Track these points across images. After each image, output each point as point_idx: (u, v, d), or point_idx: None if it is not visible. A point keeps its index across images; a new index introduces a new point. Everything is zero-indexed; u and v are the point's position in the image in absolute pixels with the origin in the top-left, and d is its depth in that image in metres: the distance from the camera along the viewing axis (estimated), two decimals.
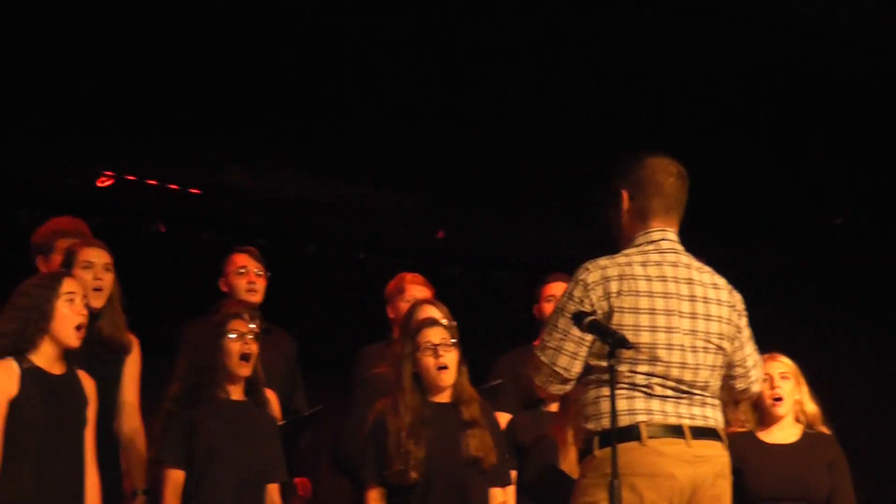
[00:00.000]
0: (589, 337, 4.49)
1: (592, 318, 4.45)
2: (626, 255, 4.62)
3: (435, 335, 5.91)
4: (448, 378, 5.90)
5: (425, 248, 9.23)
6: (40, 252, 6.28)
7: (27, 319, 5.20)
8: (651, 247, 4.64)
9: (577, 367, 4.55)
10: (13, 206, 7.64)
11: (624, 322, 4.51)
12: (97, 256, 5.82)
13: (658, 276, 4.57)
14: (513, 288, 9.26)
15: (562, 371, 4.54)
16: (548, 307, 6.75)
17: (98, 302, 5.73)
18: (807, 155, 8.71)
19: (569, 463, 5.74)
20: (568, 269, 4.71)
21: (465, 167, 8.92)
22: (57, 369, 5.25)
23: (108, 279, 5.82)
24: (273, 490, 5.87)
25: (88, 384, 5.34)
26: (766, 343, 5.21)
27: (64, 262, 5.86)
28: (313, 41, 8.49)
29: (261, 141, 8.35)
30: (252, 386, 5.88)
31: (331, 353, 8.82)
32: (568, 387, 4.59)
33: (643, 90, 8.44)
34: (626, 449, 4.39)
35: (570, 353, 4.54)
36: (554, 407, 6.33)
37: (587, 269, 4.57)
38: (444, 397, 5.93)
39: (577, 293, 4.53)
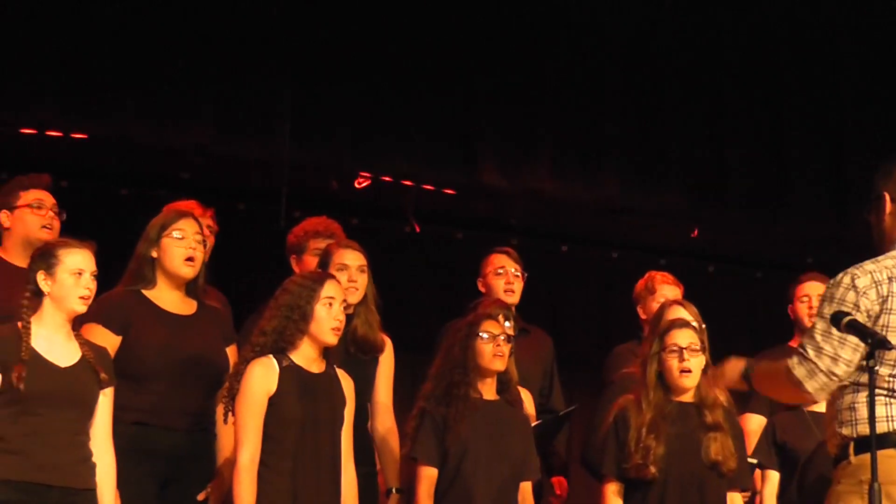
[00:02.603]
0: (853, 339, 4.38)
1: (850, 318, 4.35)
2: (892, 258, 4.52)
3: (683, 338, 5.87)
4: (689, 382, 5.86)
5: (679, 247, 9.15)
6: (294, 252, 6.43)
7: (288, 319, 5.30)
8: None
9: (841, 371, 4.44)
10: (277, 207, 7.84)
11: (890, 323, 4.41)
12: (352, 258, 5.89)
13: None
14: (768, 287, 9.11)
15: (828, 373, 4.43)
16: (801, 307, 6.64)
17: (352, 300, 5.79)
18: None
19: None
20: (821, 268, 4.61)
21: (719, 164, 8.82)
22: (315, 368, 5.34)
23: (362, 280, 5.88)
24: (525, 488, 5.90)
25: (347, 383, 5.41)
26: None
27: (320, 263, 5.96)
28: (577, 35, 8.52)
29: (514, 140, 8.40)
30: (504, 385, 5.92)
31: (586, 352, 8.82)
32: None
33: None
34: (882, 456, 4.27)
35: (847, 359, 4.43)
36: (815, 407, 6.24)
37: (856, 275, 4.47)
38: (687, 397, 5.89)
39: (850, 299, 4.44)
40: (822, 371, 4.42)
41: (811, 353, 4.43)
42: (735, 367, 4.73)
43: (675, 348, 5.85)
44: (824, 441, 5.92)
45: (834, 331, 4.41)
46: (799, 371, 4.45)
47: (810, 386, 4.44)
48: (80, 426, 5.05)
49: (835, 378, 4.43)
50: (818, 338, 4.43)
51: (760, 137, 8.89)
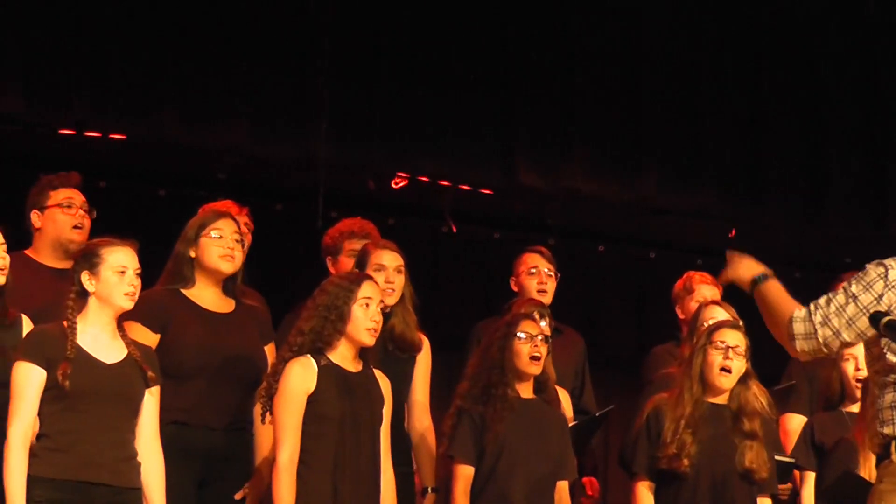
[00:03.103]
0: (863, 324, 4.37)
1: (890, 318, 4.33)
2: None
3: (731, 338, 5.88)
4: (727, 383, 5.87)
5: (716, 247, 9.11)
6: (329, 254, 6.44)
7: (325, 319, 5.31)
8: None
9: (835, 346, 4.45)
10: (314, 207, 7.85)
11: None
12: (390, 259, 5.88)
13: None
14: (806, 287, 9.06)
15: (822, 344, 4.44)
16: None
17: (390, 301, 5.78)
18: None
19: (868, 468, 5.66)
20: (859, 268, 4.59)
21: (756, 164, 8.79)
22: (353, 367, 5.35)
23: (399, 281, 5.87)
24: (562, 487, 5.90)
25: (384, 383, 5.43)
26: None
27: (357, 263, 5.96)
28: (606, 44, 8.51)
29: (551, 140, 8.39)
30: (541, 384, 5.91)
31: (623, 352, 8.81)
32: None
33: None
34: None
35: (846, 340, 4.43)
36: (854, 408, 6.23)
37: (891, 266, 4.45)
38: (721, 399, 5.91)
39: (877, 288, 4.42)
40: (818, 339, 4.42)
41: (818, 319, 4.43)
42: (751, 268, 4.68)
43: (721, 345, 5.86)
44: (845, 438, 5.94)
45: (849, 309, 4.40)
46: (798, 327, 4.44)
47: (801, 345, 4.45)
48: (126, 424, 5.06)
49: (826, 350, 4.45)
50: (832, 308, 4.43)
51: (798, 137, 8.86)
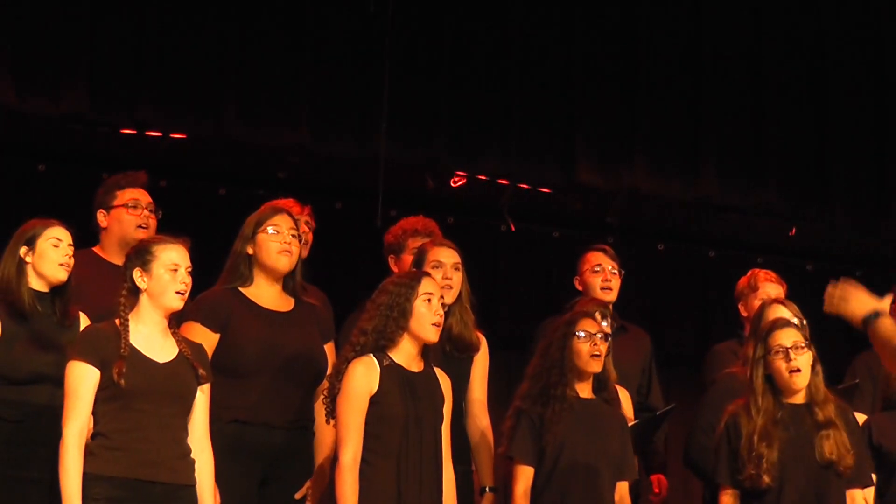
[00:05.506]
0: None
1: None
2: None
3: (787, 337, 5.77)
4: (801, 381, 5.75)
5: (777, 245, 9.06)
6: (392, 252, 6.44)
7: (387, 317, 5.32)
8: None
9: None
10: (373, 206, 7.86)
11: None
12: (447, 256, 5.88)
13: None
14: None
15: None
16: None
17: (447, 299, 5.77)
18: None
19: None
20: None
21: (818, 162, 8.73)
22: (415, 367, 5.36)
23: (456, 278, 5.87)
24: (622, 487, 5.87)
25: (445, 382, 5.43)
26: None
27: (415, 262, 5.96)
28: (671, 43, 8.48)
29: (611, 138, 8.36)
30: (601, 383, 5.89)
31: (684, 350, 8.77)
32: None
33: None
34: None
35: None
36: None
37: None
38: (798, 398, 5.79)
39: None
40: None
41: None
42: (863, 304, 4.62)
43: (780, 349, 5.75)
44: None
45: None
46: None
47: None
48: (180, 422, 5.08)
49: None
50: None
51: (861, 135, 8.79)
